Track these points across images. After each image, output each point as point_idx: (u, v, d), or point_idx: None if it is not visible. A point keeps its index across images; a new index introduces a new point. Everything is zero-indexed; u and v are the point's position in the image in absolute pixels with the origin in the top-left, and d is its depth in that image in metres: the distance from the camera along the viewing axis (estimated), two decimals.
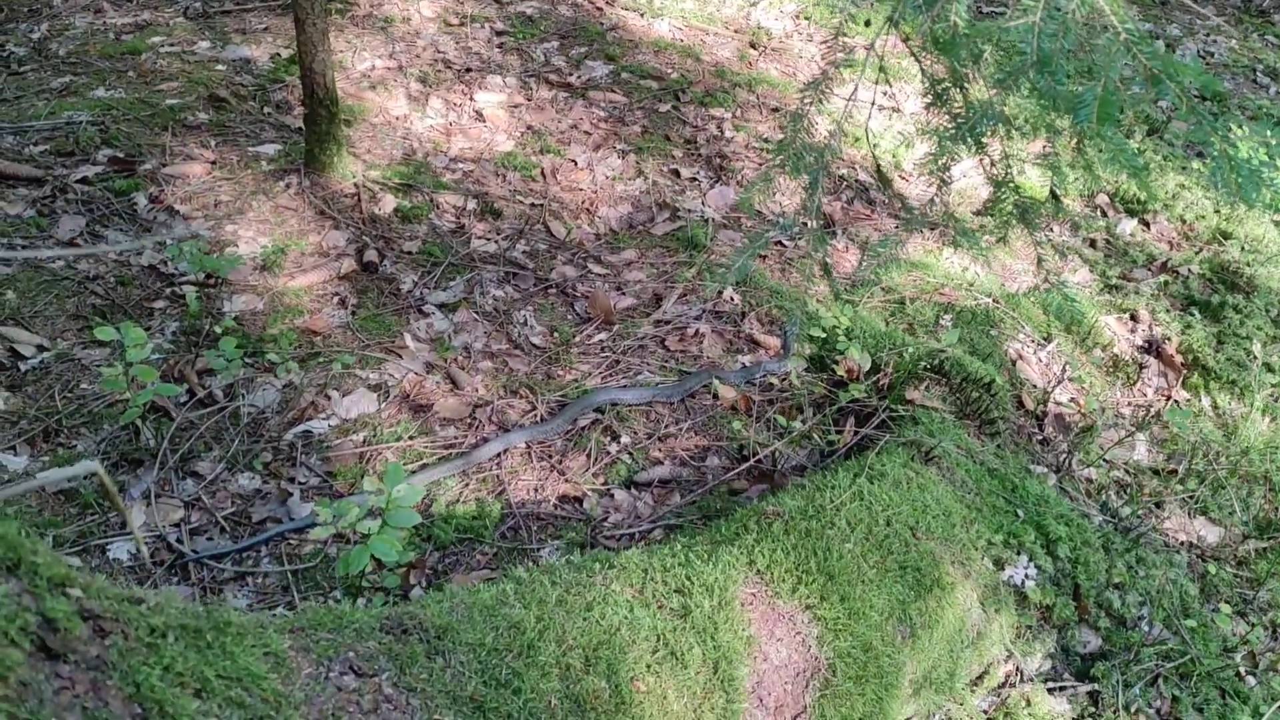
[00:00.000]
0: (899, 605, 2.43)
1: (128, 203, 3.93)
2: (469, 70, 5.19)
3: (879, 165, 2.51)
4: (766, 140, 5.08)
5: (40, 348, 3.28)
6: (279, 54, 5.07)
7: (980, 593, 2.63)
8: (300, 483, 3.01)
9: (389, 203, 4.18)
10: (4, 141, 4.15)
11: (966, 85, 1.75)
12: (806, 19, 6.33)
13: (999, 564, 2.73)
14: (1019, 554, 2.76)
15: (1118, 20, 1.69)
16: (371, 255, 3.87)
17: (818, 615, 2.29)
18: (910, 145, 4.05)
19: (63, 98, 4.53)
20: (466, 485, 3.08)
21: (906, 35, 1.74)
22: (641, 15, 6.08)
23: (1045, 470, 3.32)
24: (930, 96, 1.75)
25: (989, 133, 1.70)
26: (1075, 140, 2.09)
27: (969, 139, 1.68)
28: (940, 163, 1.75)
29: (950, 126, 1.71)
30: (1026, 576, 2.73)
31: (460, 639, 1.81)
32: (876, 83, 1.94)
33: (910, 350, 3.42)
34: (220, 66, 4.93)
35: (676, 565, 2.26)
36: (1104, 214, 4.95)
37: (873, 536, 2.51)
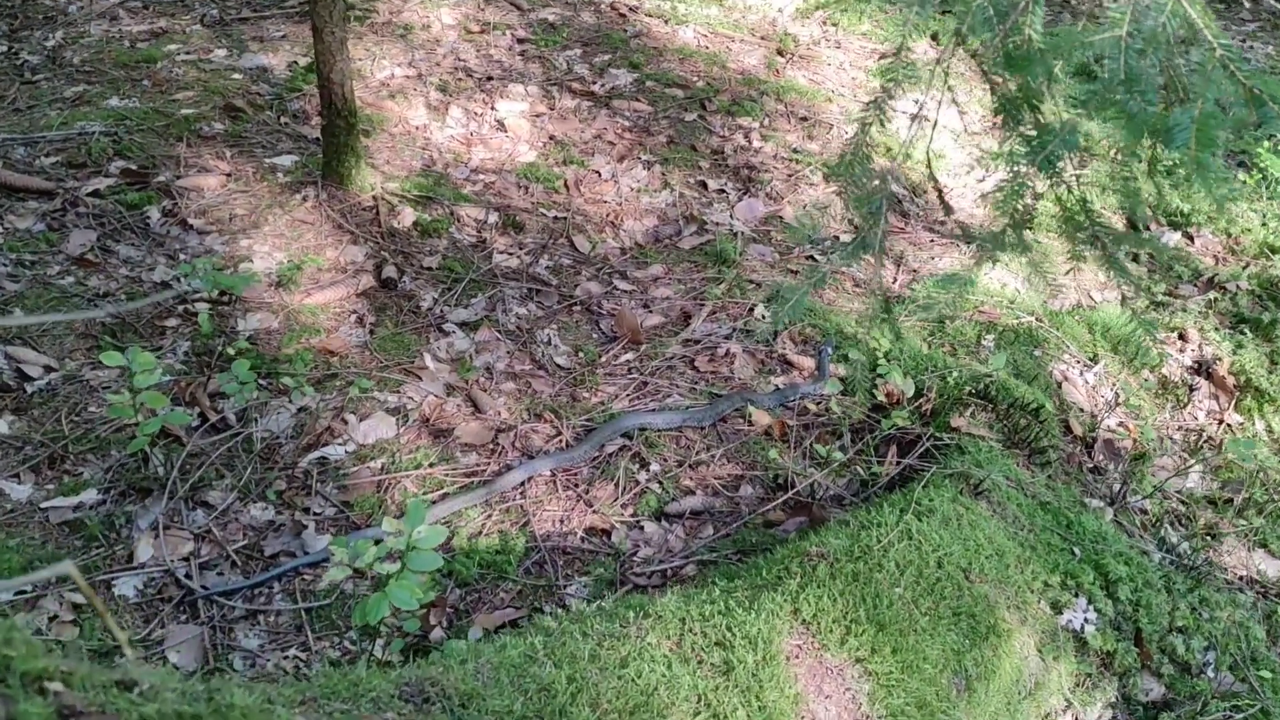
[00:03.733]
0: (953, 655, 2.27)
1: (140, 216, 3.81)
2: (490, 79, 5.05)
3: (940, 192, 2.34)
4: (796, 151, 4.92)
5: (48, 368, 3.16)
6: (296, 62, 4.94)
7: (1038, 639, 2.46)
8: (315, 513, 2.87)
9: (408, 216, 4.04)
10: (14, 153, 4.04)
11: (1040, 105, 1.59)
12: (834, 25, 6.17)
13: (1056, 607, 2.56)
14: (1077, 596, 2.59)
15: (1212, 35, 1.53)
16: (390, 271, 3.74)
17: (869, 669, 2.13)
18: (944, 158, 3.86)
19: (75, 107, 4.42)
20: (489, 516, 2.93)
21: (974, 52, 1.60)
22: (665, 22, 5.93)
23: (1100, 503, 3.15)
24: (1001, 116, 1.60)
25: (1064, 157, 1.55)
26: (1149, 163, 1.93)
27: (1044, 166, 1.52)
28: (1015, 192, 1.58)
29: (1023, 151, 1.55)
30: (1086, 621, 2.57)
31: (487, 706, 1.67)
32: (940, 101, 1.79)
33: (954, 374, 3.26)
34: (237, 75, 4.80)
35: (716, 614, 2.11)
36: (1146, 227, 4.77)
37: (924, 580, 2.35)
